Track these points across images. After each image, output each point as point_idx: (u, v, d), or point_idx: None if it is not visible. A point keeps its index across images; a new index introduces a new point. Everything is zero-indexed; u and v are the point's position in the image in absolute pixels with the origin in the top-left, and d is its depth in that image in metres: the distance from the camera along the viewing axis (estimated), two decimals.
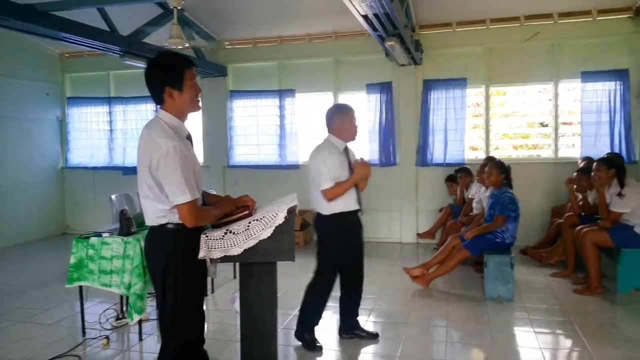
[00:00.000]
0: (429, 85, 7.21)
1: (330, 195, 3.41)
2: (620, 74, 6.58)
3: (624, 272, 4.73)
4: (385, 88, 7.35)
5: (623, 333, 3.88)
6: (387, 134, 7.36)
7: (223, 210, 2.43)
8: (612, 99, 6.62)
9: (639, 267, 4.68)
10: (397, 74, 7.27)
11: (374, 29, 5.20)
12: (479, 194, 5.82)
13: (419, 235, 7.15)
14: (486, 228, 4.94)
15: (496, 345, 3.66)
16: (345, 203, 3.49)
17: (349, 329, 3.83)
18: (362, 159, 3.56)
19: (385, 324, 4.22)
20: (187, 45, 5.45)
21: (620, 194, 4.70)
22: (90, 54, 8.27)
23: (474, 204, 5.97)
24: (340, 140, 3.55)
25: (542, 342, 3.72)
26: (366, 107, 7.43)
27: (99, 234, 3.84)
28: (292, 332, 3.74)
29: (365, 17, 4.81)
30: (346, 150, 3.59)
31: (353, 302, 3.83)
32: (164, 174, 2.17)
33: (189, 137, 2.37)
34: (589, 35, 6.68)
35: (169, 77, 2.26)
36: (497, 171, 5.01)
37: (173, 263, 2.26)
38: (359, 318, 3.91)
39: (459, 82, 7.09)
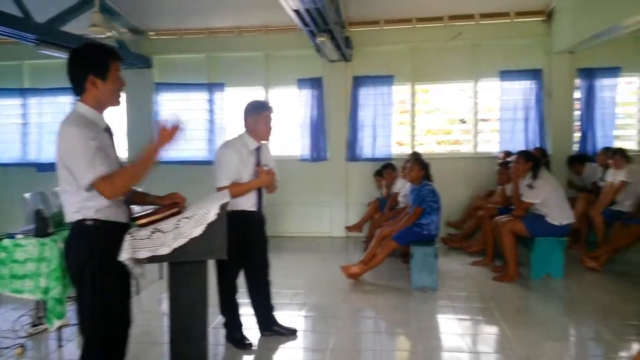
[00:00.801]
0: (358, 81, 7.34)
1: None
2: (534, 74, 7.05)
3: (537, 259, 5.07)
4: (315, 83, 7.40)
5: (536, 316, 4.19)
6: (318, 129, 7.43)
7: (145, 159, 2.20)
8: (527, 97, 7.08)
9: (551, 255, 5.03)
10: (328, 70, 7.35)
11: (305, 24, 5.22)
12: (404, 189, 6.01)
13: (347, 228, 7.27)
14: (407, 222, 5.11)
15: (421, 333, 3.81)
16: (240, 202, 3.36)
17: (268, 325, 3.77)
18: (268, 168, 3.44)
19: (316, 317, 4.27)
20: (109, 34, 5.21)
21: (530, 186, 5.02)
22: (1, 42, 7.66)
23: (401, 198, 6.17)
24: (253, 140, 3.45)
25: (464, 328, 3.93)
26: (297, 103, 7.45)
27: (11, 236, 3.58)
28: (222, 330, 3.69)
29: (296, 11, 4.81)
30: (258, 150, 3.48)
31: (261, 297, 3.73)
32: (69, 157, 2.10)
33: (108, 130, 2.28)
34: (507, 37, 7.09)
35: (94, 66, 2.18)
36: (418, 167, 5.21)
37: (90, 262, 2.16)
38: (280, 314, 3.87)
39: (387, 79, 7.29)
